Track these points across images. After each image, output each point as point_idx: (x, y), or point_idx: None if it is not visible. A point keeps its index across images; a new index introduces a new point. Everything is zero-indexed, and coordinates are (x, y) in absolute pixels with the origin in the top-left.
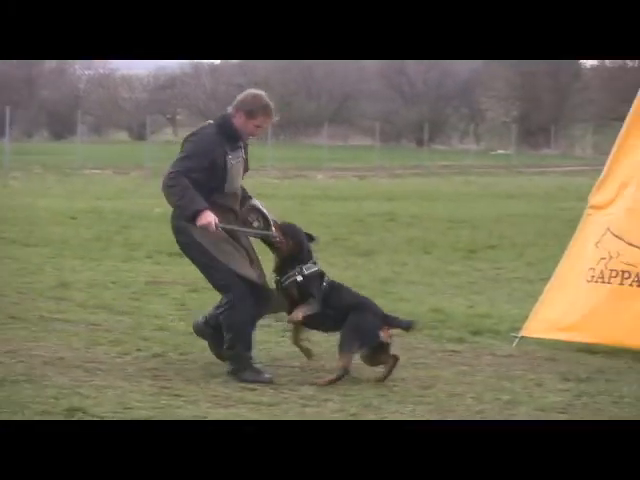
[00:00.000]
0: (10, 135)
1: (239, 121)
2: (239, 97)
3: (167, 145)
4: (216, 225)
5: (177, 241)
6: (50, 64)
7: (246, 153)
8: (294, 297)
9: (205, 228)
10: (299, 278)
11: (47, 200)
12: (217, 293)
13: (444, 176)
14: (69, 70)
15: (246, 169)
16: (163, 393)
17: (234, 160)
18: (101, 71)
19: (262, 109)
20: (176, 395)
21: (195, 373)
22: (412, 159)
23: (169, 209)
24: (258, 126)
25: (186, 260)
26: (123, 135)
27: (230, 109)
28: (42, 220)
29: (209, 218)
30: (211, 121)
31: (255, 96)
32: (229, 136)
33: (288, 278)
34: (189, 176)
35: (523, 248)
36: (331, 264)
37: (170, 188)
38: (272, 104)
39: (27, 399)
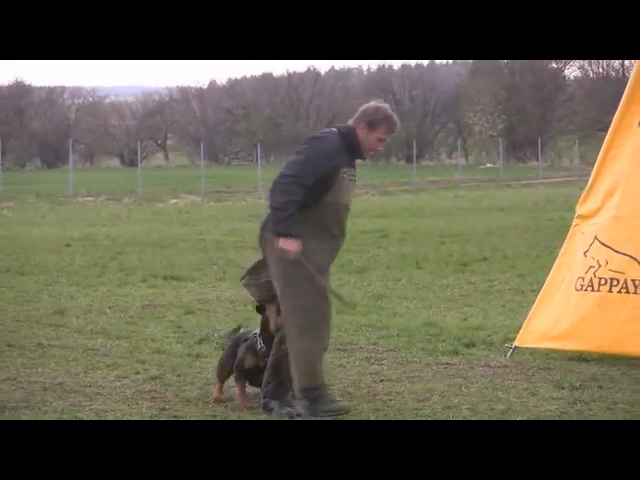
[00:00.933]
0: (2, 165)
1: (361, 133)
2: (361, 109)
3: (159, 170)
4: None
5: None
6: (39, 94)
7: (356, 174)
8: None
9: (282, 251)
10: None
11: (41, 228)
12: (213, 314)
13: (434, 192)
14: (58, 100)
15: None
16: (162, 415)
17: (347, 175)
18: (90, 99)
19: (385, 120)
20: (175, 416)
21: (193, 394)
22: (402, 176)
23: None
24: (380, 139)
25: (181, 283)
26: (115, 162)
27: (352, 122)
28: (37, 248)
29: (294, 246)
30: (334, 129)
31: (377, 107)
32: (350, 149)
33: None
34: (300, 183)
35: (514, 260)
36: None
37: (280, 192)
38: (396, 117)
39: None
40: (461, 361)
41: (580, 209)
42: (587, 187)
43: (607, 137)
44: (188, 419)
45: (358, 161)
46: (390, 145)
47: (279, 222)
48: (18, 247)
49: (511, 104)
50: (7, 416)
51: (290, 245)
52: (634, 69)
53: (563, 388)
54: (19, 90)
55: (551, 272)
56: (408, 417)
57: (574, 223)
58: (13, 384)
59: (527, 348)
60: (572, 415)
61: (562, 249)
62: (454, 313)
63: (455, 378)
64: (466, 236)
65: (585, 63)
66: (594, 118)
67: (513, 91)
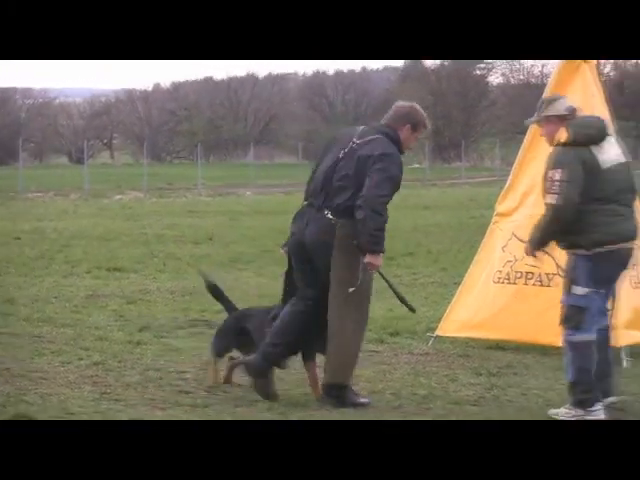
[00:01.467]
0: None
1: (405, 134)
2: (402, 110)
3: (104, 168)
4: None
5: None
6: None
7: None
8: None
9: (371, 266)
10: None
11: None
12: (153, 304)
13: None
14: (10, 100)
15: None
16: (103, 398)
17: None
18: (40, 100)
19: (424, 122)
20: (116, 400)
21: (133, 379)
22: None
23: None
24: (417, 138)
25: (124, 274)
26: (63, 160)
27: (388, 121)
28: None
29: (381, 262)
30: (379, 135)
31: (418, 110)
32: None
33: None
34: (389, 202)
35: (438, 255)
36: (260, 274)
37: (378, 215)
38: None
39: None
40: (386, 349)
41: (499, 207)
42: (506, 187)
43: (525, 140)
44: (128, 402)
45: (296, 160)
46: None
47: (379, 242)
48: None
49: (437, 109)
50: None
51: (379, 261)
52: (551, 77)
53: (481, 374)
54: None
55: (471, 266)
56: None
57: (493, 220)
58: None
59: (448, 337)
60: (489, 400)
61: (482, 244)
62: (381, 304)
63: (380, 365)
64: (393, 232)
65: (507, 70)
66: (515, 122)
67: (439, 96)
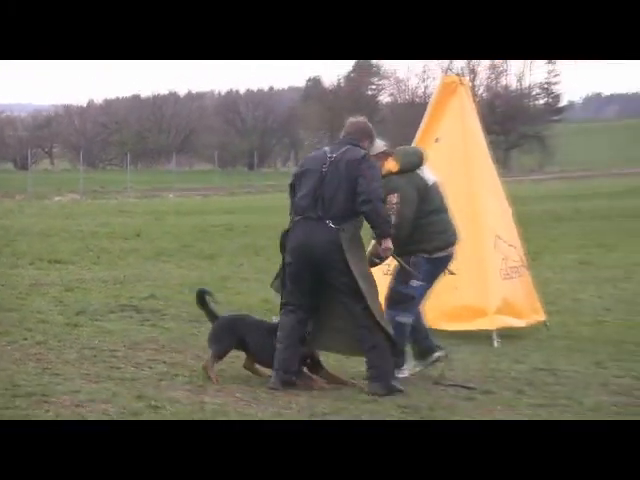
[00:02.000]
0: None
1: (366, 146)
2: (360, 126)
3: (46, 173)
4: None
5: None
6: None
7: None
8: None
9: (388, 250)
10: None
11: None
12: (88, 292)
13: (270, 193)
14: None
15: None
16: (45, 373)
17: None
18: None
19: (374, 135)
20: (56, 374)
21: (71, 356)
22: (245, 180)
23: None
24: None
25: (63, 266)
26: (9, 166)
27: (351, 136)
28: None
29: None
30: (349, 146)
31: (369, 124)
32: None
33: None
34: None
35: None
36: (180, 267)
37: (383, 203)
38: None
39: None
40: None
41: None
42: None
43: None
44: (66, 377)
45: (211, 167)
46: (235, 155)
47: (391, 225)
48: None
49: (334, 123)
50: None
51: (391, 244)
52: (432, 97)
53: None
54: None
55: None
56: (245, 379)
57: None
58: None
59: None
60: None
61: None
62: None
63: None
64: None
65: (395, 90)
66: (400, 135)
67: (336, 112)
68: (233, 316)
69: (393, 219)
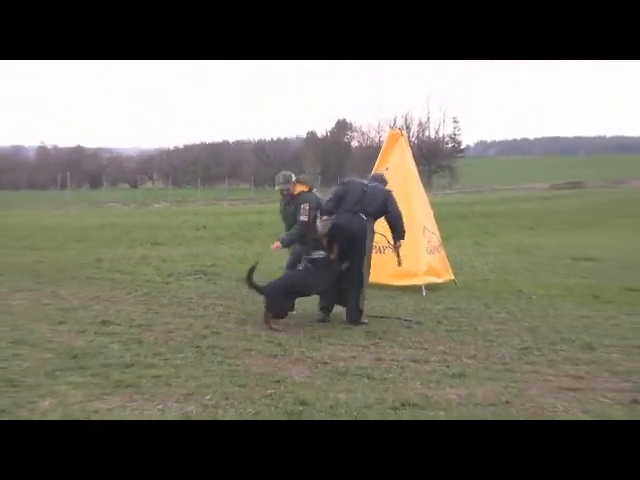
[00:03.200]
0: None
1: (385, 185)
2: (381, 175)
3: (148, 190)
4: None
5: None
6: None
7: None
8: None
9: (400, 245)
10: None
11: None
12: (175, 262)
13: None
14: (97, 155)
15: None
16: (149, 312)
17: None
18: (115, 154)
19: (387, 180)
20: (155, 312)
21: (164, 301)
22: (270, 194)
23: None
24: None
25: (159, 246)
26: (126, 185)
27: (377, 180)
28: None
29: None
30: (377, 184)
31: (384, 176)
32: None
33: None
34: None
35: None
36: (231, 247)
37: (403, 220)
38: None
39: None
40: None
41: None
42: None
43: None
44: (163, 314)
45: (248, 186)
46: (264, 179)
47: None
48: None
49: (324, 160)
50: None
51: None
52: (384, 142)
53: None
54: None
55: None
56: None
57: None
58: None
59: None
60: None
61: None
62: None
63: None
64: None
65: (360, 139)
66: (366, 169)
67: (325, 153)
68: (275, 284)
69: (304, 218)
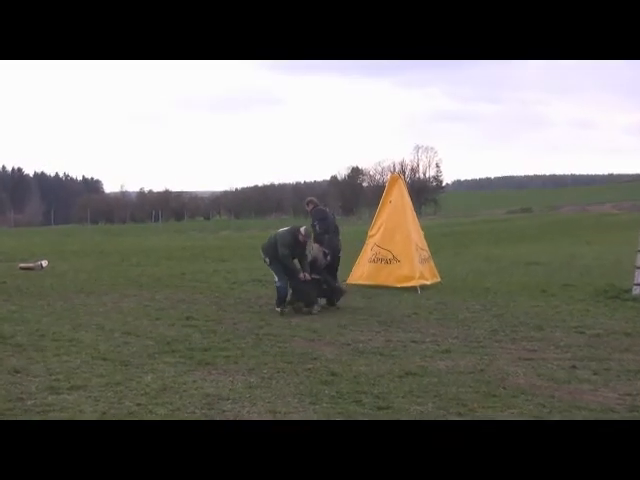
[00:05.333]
0: None
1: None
2: (315, 205)
3: (218, 221)
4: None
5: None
6: None
7: None
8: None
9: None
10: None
11: None
12: (236, 273)
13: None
14: (173, 197)
15: None
16: (219, 310)
17: None
18: (188, 196)
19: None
20: (224, 310)
21: (230, 302)
22: (305, 222)
23: None
24: None
25: (226, 262)
26: (201, 218)
27: (326, 207)
28: None
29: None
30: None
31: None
32: None
33: None
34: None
35: None
36: None
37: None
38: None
39: None
40: None
41: (370, 233)
42: (372, 224)
43: (379, 207)
44: (229, 312)
45: (289, 217)
46: (300, 210)
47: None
48: None
49: (343, 197)
50: None
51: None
52: (387, 183)
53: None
54: None
55: (359, 256)
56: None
57: (368, 237)
58: None
59: (352, 283)
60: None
61: (363, 249)
62: None
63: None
64: None
65: (369, 181)
66: (375, 200)
67: (343, 192)
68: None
69: (281, 249)
